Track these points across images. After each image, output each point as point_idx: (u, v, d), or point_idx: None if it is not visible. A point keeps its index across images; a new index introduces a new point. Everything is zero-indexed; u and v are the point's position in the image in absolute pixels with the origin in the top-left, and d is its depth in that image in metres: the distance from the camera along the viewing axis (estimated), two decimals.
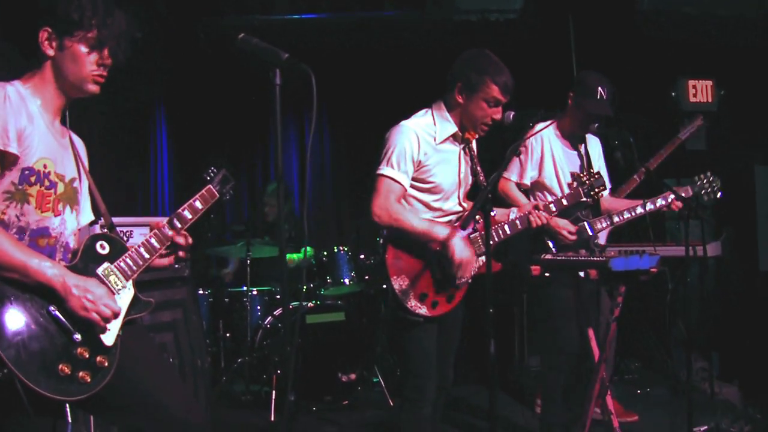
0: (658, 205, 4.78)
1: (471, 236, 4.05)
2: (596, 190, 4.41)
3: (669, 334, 6.70)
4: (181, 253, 3.11)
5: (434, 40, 8.41)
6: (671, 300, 5.29)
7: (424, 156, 3.94)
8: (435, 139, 3.99)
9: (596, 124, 4.88)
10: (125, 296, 2.91)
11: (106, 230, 3.02)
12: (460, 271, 3.91)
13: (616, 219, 4.73)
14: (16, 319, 2.51)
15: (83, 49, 2.74)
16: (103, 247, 2.88)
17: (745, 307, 7.11)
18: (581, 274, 4.63)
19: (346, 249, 6.73)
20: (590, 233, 4.68)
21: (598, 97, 4.71)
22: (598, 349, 4.71)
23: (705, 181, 4.96)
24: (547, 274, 4.45)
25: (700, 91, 7.52)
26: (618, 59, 7.75)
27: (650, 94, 7.84)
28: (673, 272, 5.94)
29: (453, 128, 4.02)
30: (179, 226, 3.07)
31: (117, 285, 2.86)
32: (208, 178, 3.32)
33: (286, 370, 6.01)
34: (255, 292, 6.86)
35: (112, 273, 2.86)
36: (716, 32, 7.92)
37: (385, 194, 3.91)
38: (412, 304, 3.89)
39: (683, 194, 4.81)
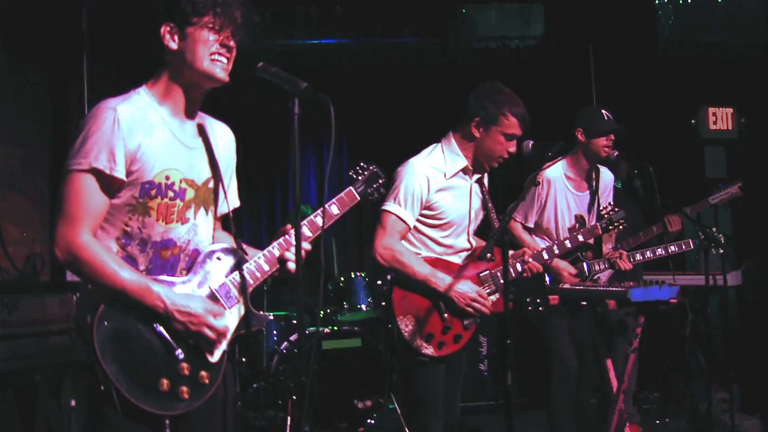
0: (671, 251, 4.88)
1: (481, 275, 4.04)
2: (615, 224, 4.41)
3: (689, 365, 6.62)
4: (289, 265, 2.98)
5: (454, 67, 8.42)
6: (691, 330, 5.24)
7: (435, 194, 3.95)
8: (445, 175, 3.99)
9: (616, 153, 4.87)
10: (236, 312, 2.87)
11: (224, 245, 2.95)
12: (472, 312, 3.92)
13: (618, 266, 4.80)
14: (122, 334, 2.61)
15: (205, 33, 2.74)
16: (219, 260, 2.86)
17: None
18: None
19: (363, 275, 6.70)
20: (587, 274, 4.70)
21: (606, 118, 4.76)
22: (617, 380, 4.66)
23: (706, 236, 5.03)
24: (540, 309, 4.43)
25: (721, 118, 7.47)
26: (638, 87, 7.74)
27: (671, 122, 7.80)
28: (693, 302, 5.89)
29: (463, 162, 4.02)
30: (309, 234, 3.03)
31: (228, 301, 2.84)
32: (354, 176, 3.27)
33: (301, 397, 5.99)
34: (271, 317, 6.82)
35: (224, 288, 2.84)
36: (737, 60, 7.90)
37: (390, 232, 3.94)
38: (418, 344, 3.88)
39: (684, 247, 5.03)
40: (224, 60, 2.78)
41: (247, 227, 8.90)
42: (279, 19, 8.55)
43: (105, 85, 6.06)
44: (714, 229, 5.02)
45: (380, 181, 3.36)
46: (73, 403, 4.37)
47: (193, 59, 2.73)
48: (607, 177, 5.08)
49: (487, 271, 4.05)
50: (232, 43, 2.79)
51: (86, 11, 5.97)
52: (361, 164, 3.34)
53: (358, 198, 3.25)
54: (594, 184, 4.97)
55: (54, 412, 4.31)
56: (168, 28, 2.74)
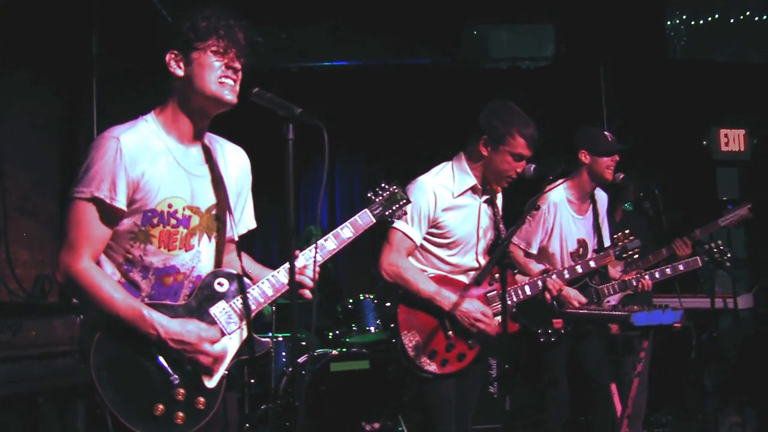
0: (679, 270, 4.91)
1: (489, 295, 4.02)
2: (629, 252, 4.37)
3: (696, 388, 6.55)
4: (304, 292, 2.94)
5: (466, 88, 8.45)
6: (697, 354, 5.21)
7: (441, 212, 3.94)
8: (453, 194, 3.98)
9: (621, 175, 4.85)
10: (237, 337, 2.85)
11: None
12: (475, 332, 3.90)
13: (625, 287, 4.76)
14: (119, 359, 2.64)
15: (210, 57, 2.75)
16: (221, 285, 2.85)
17: None
18: None
19: (371, 296, 6.69)
20: (595, 301, 4.68)
21: (609, 139, 4.76)
22: (621, 405, 4.63)
23: (714, 249, 4.99)
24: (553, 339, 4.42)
25: (732, 139, 7.44)
26: (649, 107, 7.72)
27: (682, 142, 7.78)
28: (704, 324, 5.83)
29: (472, 181, 4.00)
30: (318, 258, 2.96)
31: (229, 326, 2.83)
32: (372, 197, 3.18)
33: (309, 418, 5.99)
34: (280, 338, 6.82)
35: (225, 313, 2.83)
36: (750, 81, 7.86)
37: (396, 248, 3.93)
38: (422, 360, 3.86)
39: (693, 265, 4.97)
40: (231, 82, 2.78)
41: (258, 247, 8.93)
42: (292, 42, 8.64)
43: (114, 109, 6.13)
44: (720, 249, 4.96)
45: (402, 202, 3.28)
46: (78, 425, 4.39)
47: (200, 84, 2.74)
48: (602, 198, 5.06)
49: (495, 291, 4.02)
50: (237, 65, 2.80)
51: (95, 36, 6.04)
52: (382, 185, 3.26)
53: (374, 220, 3.17)
54: (593, 206, 4.94)
55: None
56: (173, 56, 2.76)
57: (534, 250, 4.81)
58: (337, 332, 6.69)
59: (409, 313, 3.92)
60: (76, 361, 4.31)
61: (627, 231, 4.48)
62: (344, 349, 6.43)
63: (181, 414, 2.68)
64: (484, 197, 4.10)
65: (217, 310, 2.82)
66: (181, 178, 2.80)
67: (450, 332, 3.92)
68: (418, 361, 3.86)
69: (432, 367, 3.88)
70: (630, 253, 4.40)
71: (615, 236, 4.48)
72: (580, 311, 4.46)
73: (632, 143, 4.94)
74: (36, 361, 4.15)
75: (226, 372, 2.81)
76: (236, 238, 3.02)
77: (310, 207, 9.21)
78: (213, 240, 2.93)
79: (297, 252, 2.92)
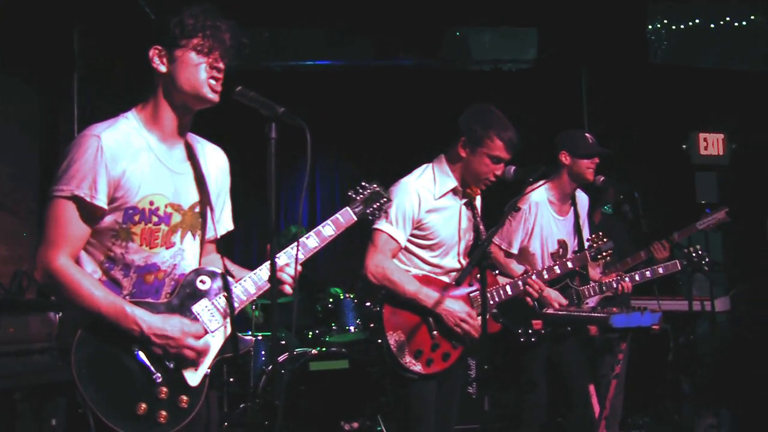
0: (659, 273, 4.91)
1: (471, 295, 4.03)
2: (603, 254, 4.40)
3: (674, 390, 6.60)
4: (285, 288, 2.91)
5: (448, 89, 8.47)
6: (674, 356, 5.24)
7: (425, 214, 3.95)
8: (434, 195, 3.99)
9: (602, 178, 4.88)
10: (220, 335, 2.83)
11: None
12: (460, 333, 3.91)
13: (605, 289, 4.77)
14: (100, 357, 2.61)
15: (193, 55, 2.72)
16: (203, 282, 2.83)
17: (763, 364, 6.98)
18: None
19: (351, 296, 6.70)
20: (578, 302, 4.71)
21: (590, 141, 4.77)
22: (599, 406, 4.65)
23: (693, 254, 5.03)
24: (533, 339, 4.45)
25: (712, 144, 7.51)
26: (630, 111, 7.77)
27: (662, 147, 7.83)
28: (682, 327, 5.88)
29: (453, 183, 4.02)
30: (300, 256, 2.95)
31: (211, 323, 2.81)
32: (353, 196, 3.19)
33: (288, 418, 5.99)
34: (260, 337, 6.82)
35: (207, 310, 2.81)
36: (729, 86, 7.93)
37: (381, 250, 3.93)
38: (407, 360, 3.86)
39: (672, 269, 4.96)
40: (213, 82, 2.76)
41: (238, 247, 8.91)
42: (276, 41, 8.64)
43: (95, 106, 6.11)
44: (699, 253, 5.00)
45: (383, 200, 3.28)
46: (54, 422, 4.36)
47: (182, 82, 2.73)
48: (583, 200, 5.08)
49: (478, 292, 4.01)
50: (221, 65, 2.77)
51: (77, 32, 6.01)
52: (362, 183, 3.27)
53: (355, 219, 3.17)
54: (573, 208, 4.96)
55: None
56: (156, 51, 2.74)
57: (515, 250, 4.83)
58: (317, 331, 6.68)
59: (394, 313, 3.91)
60: (54, 359, 4.28)
61: (600, 233, 4.52)
62: (324, 349, 6.43)
63: (164, 413, 2.66)
64: (464, 199, 4.11)
65: (200, 307, 2.80)
66: (163, 175, 2.78)
67: (435, 332, 3.93)
68: (403, 361, 3.86)
69: (417, 367, 3.88)
70: (604, 254, 4.43)
71: (588, 238, 4.52)
72: (560, 313, 4.48)
73: (612, 149, 4.96)
74: (13, 358, 4.12)
75: (209, 370, 2.79)
76: (218, 237, 3.01)
77: (292, 206, 9.22)
78: (197, 237, 2.92)
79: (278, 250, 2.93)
